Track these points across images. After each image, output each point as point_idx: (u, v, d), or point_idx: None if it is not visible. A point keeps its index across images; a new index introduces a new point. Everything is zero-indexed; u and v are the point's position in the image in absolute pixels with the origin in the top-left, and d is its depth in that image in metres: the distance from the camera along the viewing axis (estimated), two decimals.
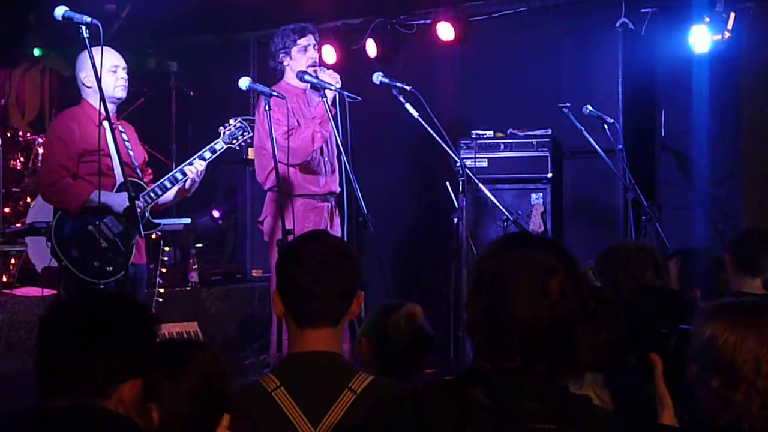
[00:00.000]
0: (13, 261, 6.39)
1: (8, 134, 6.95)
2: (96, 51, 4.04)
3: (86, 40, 4.04)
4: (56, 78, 8.26)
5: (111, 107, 4.51)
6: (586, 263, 3.20)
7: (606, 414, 1.84)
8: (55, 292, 5.19)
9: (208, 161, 4.74)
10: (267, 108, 4.57)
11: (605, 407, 2.23)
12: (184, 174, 4.68)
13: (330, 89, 4.96)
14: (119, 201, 4.38)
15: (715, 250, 4.34)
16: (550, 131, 6.69)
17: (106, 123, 4.25)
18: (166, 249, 6.65)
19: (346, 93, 4.95)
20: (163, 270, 6.38)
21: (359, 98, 4.96)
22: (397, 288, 4.92)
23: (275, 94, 4.68)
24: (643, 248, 3.39)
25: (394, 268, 5.10)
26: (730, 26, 5.98)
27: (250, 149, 6.93)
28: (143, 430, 1.96)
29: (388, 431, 1.81)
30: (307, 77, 5.01)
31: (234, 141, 4.80)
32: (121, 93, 4.67)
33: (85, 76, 4.57)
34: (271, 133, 4.56)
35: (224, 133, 4.79)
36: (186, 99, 7.92)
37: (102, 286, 4.44)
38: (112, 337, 1.99)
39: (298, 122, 5.05)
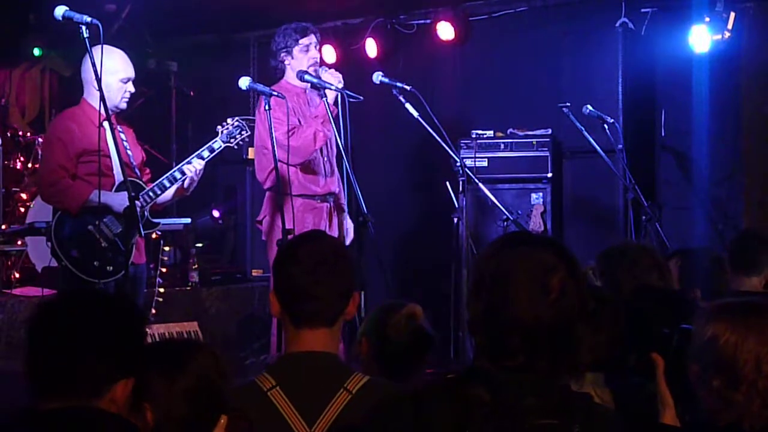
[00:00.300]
0: (13, 261, 6.39)
1: (8, 134, 6.95)
2: (97, 51, 4.05)
3: (86, 40, 4.04)
4: (56, 78, 8.26)
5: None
6: (587, 263, 3.20)
7: (607, 412, 1.85)
8: (55, 292, 5.19)
9: (206, 160, 4.74)
10: (267, 107, 4.57)
11: (606, 406, 2.23)
12: (183, 173, 4.69)
13: (330, 89, 4.96)
14: (119, 201, 4.38)
15: (715, 250, 4.35)
16: (550, 131, 6.69)
17: (106, 124, 4.25)
18: (166, 249, 6.65)
19: (347, 92, 4.95)
20: (163, 270, 6.38)
21: (361, 98, 4.96)
22: (397, 288, 4.92)
23: (275, 93, 4.68)
24: (647, 250, 3.39)
25: (394, 268, 5.10)
26: (730, 26, 5.98)
27: (250, 149, 6.92)
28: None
29: (388, 430, 1.82)
30: (307, 77, 5.01)
31: (232, 140, 4.81)
32: (124, 105, 4.68)
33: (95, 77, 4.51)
34: (271, 133, 4.56)
35: (222, 132, 4.80)
36: (186, 99, 7.92)
37: (102, 286, 4.44)
38: (104, 336, 1.99)
39: (299, 121, 5.05)
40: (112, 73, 4.54)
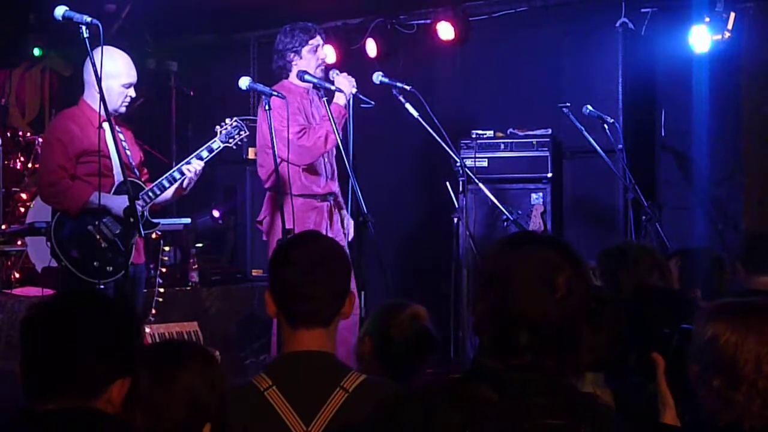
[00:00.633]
0: (13, 261, 6.39)
1: (8, 134, 6.95)
2: (98, 52, 4.05)
3: (86, 40, 4.04)
4: (56, 78, 8.26)
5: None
6: (588, 263, 3.20)
7: (611, 412, 1.85)
8: (54, 292, 5.19)
9: (205, 160, 4.74)
10: (267, 107, 4.58)
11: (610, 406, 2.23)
12: (182, 173, 4.69)
13: (329, 89, 4.96)
14: (119, 203, 4.38)
15: (715, 250, 4.37)
16: (550, 131, 6.69)
17: (106, 125, 4.25)
18: (166, 249, 6.65)
19: (361, 96, 4.96)
20: (163, 270, 6.38)
21: (373, 103, 4.96)
22: (397, 288, 4.92)
23: (275, 93, 4.69)
24: (648, 250, 3.40)
25: (394, 268, 5.10)
26: (730, 26, 5.98)
27: (250, 149, 6.93)
28: None
29: (395, 429, 1.82)
30: (307, 77, 5.01)
31: (231, 140, 4.81)
32: (123, 109, 4.67)
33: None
34: (271, 133, 4.56)
35: (221, 132, 4.80)
36: (186, 99, 7.92)
37: (102, 286, 4.44)
38: (100, 336, 1.98)
39: (307, 120, 5.06)
40: (115, 77, 4.54)
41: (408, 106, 5.03)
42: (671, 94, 6.59)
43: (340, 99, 4.97)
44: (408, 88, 5.05)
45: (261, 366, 5.80)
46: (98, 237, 4.50)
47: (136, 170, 4.75)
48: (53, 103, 8.14)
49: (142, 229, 4.14)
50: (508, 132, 6.85)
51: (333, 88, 4.94)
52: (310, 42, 5.09)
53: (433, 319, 2.93)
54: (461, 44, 7.22)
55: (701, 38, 6.04)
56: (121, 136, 4.69)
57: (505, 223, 5.57)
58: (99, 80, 4.08)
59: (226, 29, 8.21)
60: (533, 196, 6.69)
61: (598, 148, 5.70)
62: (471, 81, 7.33)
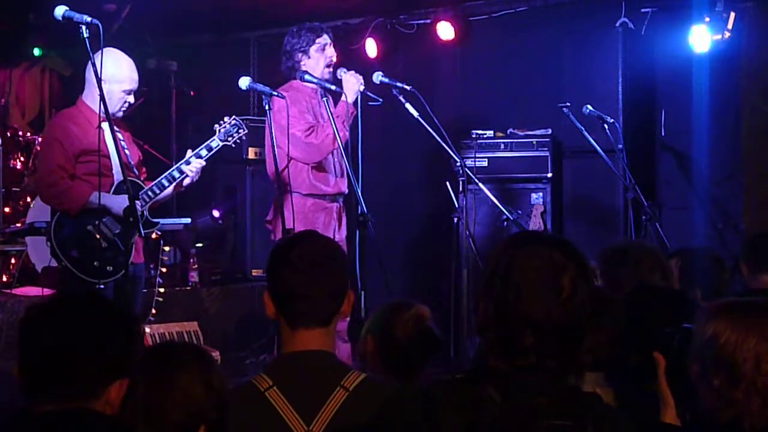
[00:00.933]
0: (13, 261, 6.39)
1: (8, 134, 6.95)
2: (100, 53, 4.05)
3: (86, 40, 4.04)
4: (56, 78, 8.26)
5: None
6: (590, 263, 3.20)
7: (615, 412, 1.85)
8: (54, 292, 5.19)
9: (204, 159, 4.75)
10: (268, 107, 4.59)
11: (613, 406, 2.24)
12: (182, 172, 4.69)
13: (330, 89, 4.96)
14: (118, 203, 4.38)
15: (715, 250, 4.37)
16: (550, 131, 6.69)
17: (105, 124, 4.25)
18: (166, 249, 6.65)
19: (369, 93, 4.97)
20: (163, 270, 6.38)
21: (380, 100, 4.98)
22: (397, 288, 4.92)
23: (275, 93, 4.70)
24: (649, 250, 3.40)
25: (394, 268, 5.09)
26: (730, 26, 5.98)
27: (250, 149, 6.94)
28: None
29: (398, 429, 1.82)
30: (307, 77, 5.02)
31: (230, 138, 4.82)
32: (120, 114, 4.67)
33: (103, 80, 4.44)
34: (271, 132, 4.57)
35: (219, 131, 4.81)
36: (186, 99, 7.92)
37: (101, 286, 4.44)
38: (97, 338, 1.99)
39: (316, 119, 5.08)
40: (118, 82, 4.55)
41: (408, 106, 5.03)
42: (671, 94, 6.59)
43: (348, 96, 4.99)
44: (408, 88, 5.06)
45: (261, 366, 5.80)
46: (98, 237, 4.50)
47: (135, 169, 4.75)
48: (53, 103, 8.14)
49: (141, 229, 4.13)
50: (508, 132, 6.85)
51: (333, 88, 4.95)
52: (317, 41, 5.12)
53: (433, 319, 2.93)
54: (461, 44, 7.22)
55: (701, 38, 6.04)
56: (119, 135, 4.69)
57: (505, 223, 5.57)
58: (99, 80, 4.08)
59: (226, 29, 8.21)
60: (533, 196, 6.69)
61: (598, 148, 5.70)
62: (471, 81, 7.33)
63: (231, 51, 8.29)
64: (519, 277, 1.78)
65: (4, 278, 6.29)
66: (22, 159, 6.97)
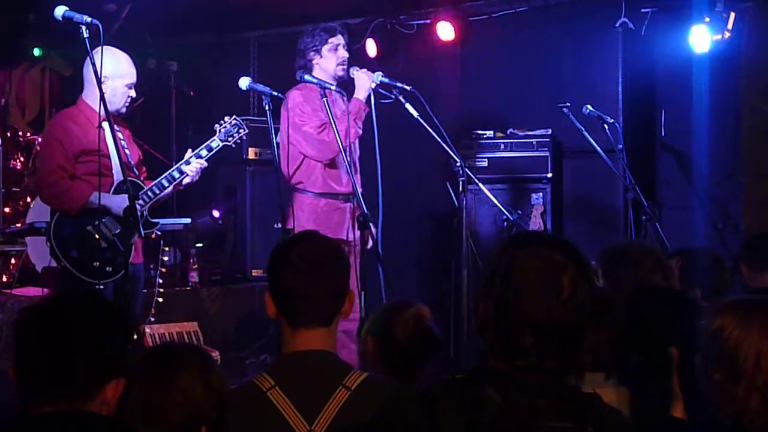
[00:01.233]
0: (13, 261, 6.39)
1: (8, 134, 6.95)
2: (97, 52, 4.05)
3: (86, 40, 4.04)
4: (56, 78, 8.26)
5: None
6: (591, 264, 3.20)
7: (616, 413, 1.85)
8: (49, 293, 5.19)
9: (204, 159, 4.75)
10: (268, 108, 4.60)
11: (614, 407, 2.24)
12: (182, 172, 4.69)
13: (330, 89, 4.97)
14: (118, 202, 4.38)
15: (715, 250, 4.37)
16: (550, 131, 6.69)
17: (105, 124, 4.25)
18: (166, 249, 6.64)
19: (382, 90, 5.00)
20: (163, 270, 6.37)
21: (392, 97, 5.00)
22: (397, 288, 4.92)
23: (275, 93, 4.71)
24: (651, 250, 3.40)
25: (395, 268, 5.10)
26: (730, 26, 5.97)
27: (250, 149, 6.94)
28: None
29: (399, 429, 1.82)
30: (307, 77, 5.02)
31: (230, 138, 4.83)
32: (124, 109, 4.68)
33: (104, 77, 4.40)
34: (271, 132, 4.57)
35: (220, 130, 4.82)
36: (186, 99, 7.92)
37: (101, 287, 4.43)
38: (92, 338, 1.98)
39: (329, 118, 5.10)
40: (120, 77, 4.56)
41: (408, 106, 5.04)
42: (671, 94, 6.59)
43: (360, 93, 5.03)
44: (408, 88, 5.06)
45: (261, 366, 5.80)
46: (97, 237, 4.50)
47: (135, 169, 4.75)
48: (53, 103, 8.13)
49: (141, 229, 4.13)
50: (508, 132, 6.85)
51: (333, 88, 4.95)
52: (330, 41, 5.16)
53: (433, 319, 2.93)
54: (461, 44, 7.22)
55: (701, 38, 6.04)
56: (119, 135, 4.69)
57: (505, 223, 5.57)
58: (99, 80, 4.08)
59: (226, 29, 8.21)
60: (533, 196, 6.69)
61: (598, 148, 5.70)
62: (471, 81, 7.33)
63: (231, 51, 8.29)
64: (519, 277, 1.78)
65: (4, 278, 6.29)
66: (22, 159, 6.97)
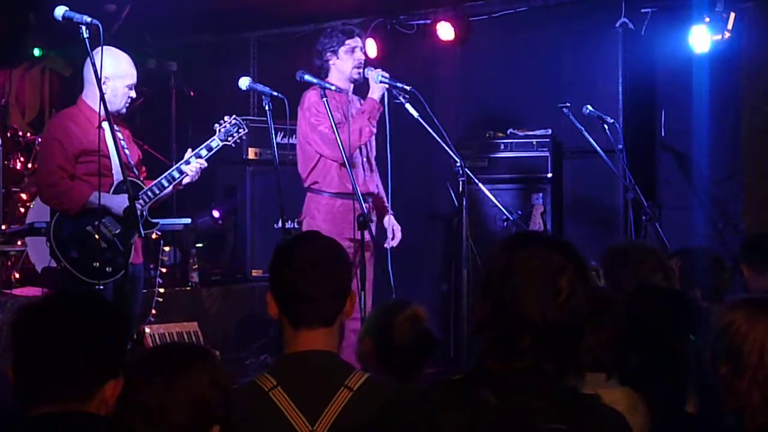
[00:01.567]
0: (13, 261, 6.39)
1: (8, 134, 6.95)
2: (97, 52, 4.05)
3: (86, 40, 4.04)
4: (56, 78, 8.26)
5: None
6: (590, 264, 3.20)
7: (614, 414, 1.84)
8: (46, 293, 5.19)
9: (204, 158, 4.75)
10: (268, 108, 4.61)
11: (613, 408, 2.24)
12: (182, 172, 4.69)
13: (330, 89, 4.97)
14: (118, 202, 4.38)
15: (715, 250, 4.37)
16: (550, 131, 6.69)
17: (105, 124, 4.25)
18: (166, 249, 6.64)
19: (395, 91, 5.02)
20: (163, 270, 6.37)
21: (407, 97, 5.01)
22: (397, 288, 4.92)
23: (275, 93, 4.71)
24: (652, 250, 3.40)
25: (395, 268, 5.10)
26: (730, 26, 5.97)
27: (250, 149, 6.94)
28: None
29: (398, 430, 1.82)
30: (306, 77, 5.02)
31: (230, 138, 4.83)
32: (124, 110, 4.69)
33: (105, 78, 4.41)
34: (271, 132, 4.58)
35: (219, 130, 4.82)
36: (186, 99, 7.92)
37: (101, 287, 4.43)
38: (89, 338, 1.98)
39: (344, 118, 5.11)
40: (121, 77, 4.56)
41: (408, 106, 5.04)
42: (671, 94, 6.59)
43: (375, 93, 5.05)
44: (408, 88, 5.06)
45: (261, 366, 5.80)
46: (97, 237, 4.49)
47: (135, 169, 4.75)
48: (53, 103, 8.14)
49: (141, 229, 4.13)
50: (508, 132, 6.84)
51: (333, 88, 4.95)
52: (347, 42, 5.18)
53: (433, 319, 2.93)
54: (461, 44, 7.22)
55: (701, 38, 6.04)
56: (119, 135, 4.69)
57: (505, 224, 5.57)
58: (99, 80, 4.08)
59: (226, 29, 8.21)
60: (533, 196, 6.69)
61: (598, 148, 5.70)
62: (471, 81, 7.33)
63: (231, 51, 8.29)
64: (516, 279, 1.77)
65: (4, 278, 6.29)
66: (22, 159, 6.97)
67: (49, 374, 1.95)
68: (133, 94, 4.67)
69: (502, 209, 5.38)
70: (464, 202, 5.21)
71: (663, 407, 2.43)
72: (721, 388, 2.08)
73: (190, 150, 4.80)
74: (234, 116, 4.86)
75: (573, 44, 6.69)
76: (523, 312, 1.76)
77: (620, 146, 5.90)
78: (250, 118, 6.36)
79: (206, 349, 2.27)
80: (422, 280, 7.22)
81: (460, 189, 5.17)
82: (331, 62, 5.20)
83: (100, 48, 4.08)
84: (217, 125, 4.84)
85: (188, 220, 6.60)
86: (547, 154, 6.65)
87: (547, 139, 6.68)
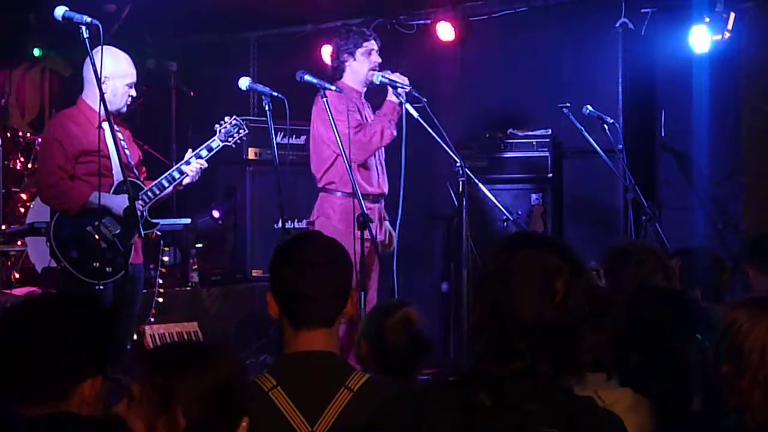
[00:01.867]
0: (13, 261, 6.39)
1: (8, 134, 6.95)
2: (97, 52, 4.05)
3: (86, 40, 4.04)
4: (56, 78, 8.25)
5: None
6: (589, 265, 3.20)
7: (609, 416, 1.84)
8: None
9: (204, 159, 4.75)
10: (268, 108, 4.62)
11: (608, 408, 2.24)
12: (182, 173, 4.70)
13: (330, 89, 4.97)
14: (118, 202, 4.38)
15: (715, 250, 4.37)
16: (550, 131, 6.69)
17: (105, 124, 4.25)
18: (166, 249, 6.64)
19: (414, 93, 5.03)
20: (163, 270, 6.37)
21: (425, 100, 5.01)
22: (397, 288, 4.93)
23: (275, 93, 4.71)
24: (652, 250, 3.40)
25: (395, 269, 5.10)
26: (730, 26, 5.97)
27: (250, 149, 6.93)
28: None
29: (394, 431, 1.81)
30: (306, 77, 5.01)
31: (230, 139, 4.83)
32: (124, 110, 4.69)
33: (105, 77, 4.41)
34: (271, 133, 4.58)
35: (220, 131, 4.83)
36: (186, 99, 7.92)
37: (101, 287, 4.43)
38: (67, 335, 1.98)
39: (363, 119, 5.12)
40: (121, 77, 4.56)
41: (408, 106, 5.04)
42: (671, 94, 6.59)
43: (393, 95, 5.08)
44: (408, 88, 5.06)
45: (261, 366, 5.80)
46: (97, 237, 4.49)
47: (135, 169, 4.75)
48: (53, 103, 8.13)
49: (141, 230, 4.14)
50: (508, 132, 6.84)
51: (333, 88, 4.95)
52: (365, 45, 5.21)
53: (433, 319, 2.93)
54: (461, 44, 7.22)
55: (701, 38, 6.04)
56: (119, 135, 4.69)
57: (505, 224, 5.57)
58: (99, 80, 4.08)
59: (226, 29, 8.21)
60: (533, 196, 6.69)
61: (598, 148, 5.70)
62: (471, 81, 7.32)
63: (231, 51, 8.29)
64: (512, 280, 1.77)
65: (4, 278, 6.29)
66: (22, 159, 6.97)
67: (22, 374, 1.95)
68: (133, 92, 4.67)
69: (502, 209, 5.38)
70: (464, 202, 5.21)
71: (663, 407, 2.43)
72: (723, 387, 2.08)
73: (190, 150, 4.80)
74: (234, 117, 4.86)
75: (573, 44, 6.69)
76: (519, 313, 1.75)
77: (620, 146, 5.90)
78: (250, 118, 6.36)
79: (225, 345, 2.26)
80: (422, 280, 7.22)
81: (460, 189, 5.17)
82: (347, 63, 5.23)
83: (99, 48, 4.08)
84: (217, 126, 4.84)
85: (188, 221, 6.60)
86: (547, 154, 6.65)
87: (547, 139, 6.68)
